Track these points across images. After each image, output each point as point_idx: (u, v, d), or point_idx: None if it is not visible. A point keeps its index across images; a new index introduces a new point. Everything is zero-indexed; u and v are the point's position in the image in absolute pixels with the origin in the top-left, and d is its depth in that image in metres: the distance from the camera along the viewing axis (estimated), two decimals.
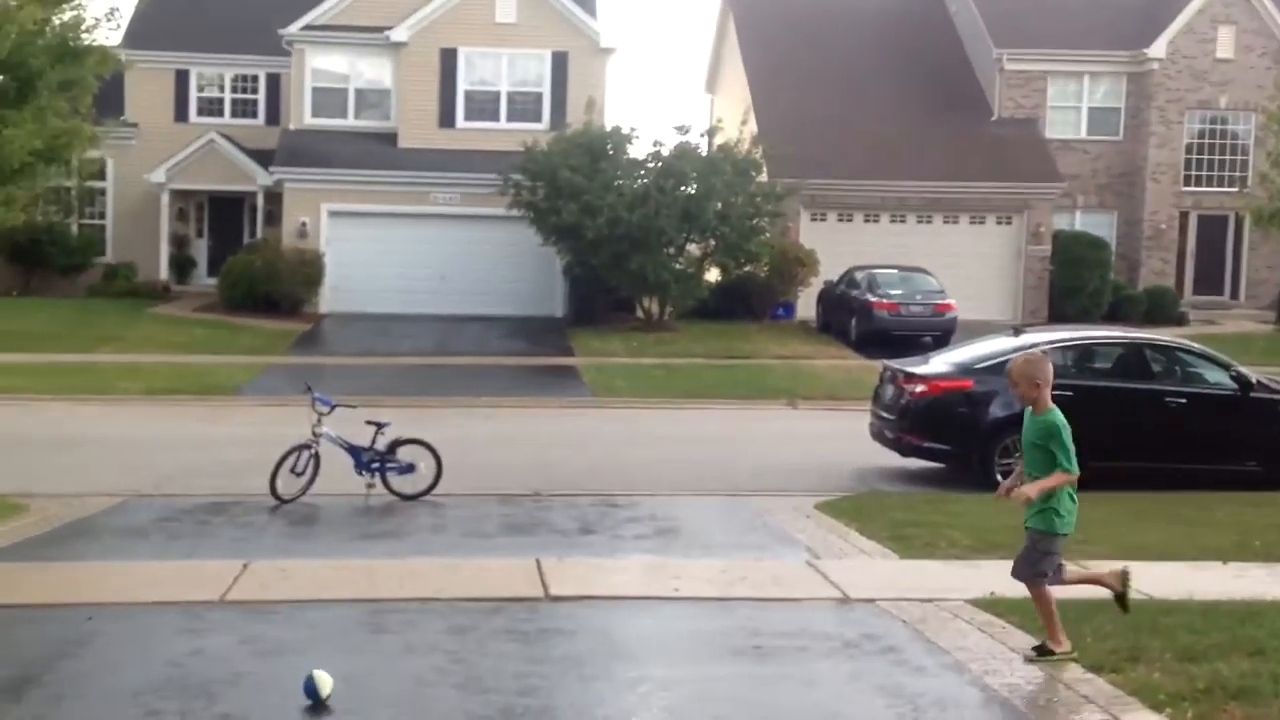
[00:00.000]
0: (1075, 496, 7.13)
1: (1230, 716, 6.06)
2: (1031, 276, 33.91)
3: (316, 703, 6.15)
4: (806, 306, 32.28)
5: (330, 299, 31.96)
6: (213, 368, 24.13)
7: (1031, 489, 6.95)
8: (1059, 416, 7.03)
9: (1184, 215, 36.60)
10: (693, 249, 30.81)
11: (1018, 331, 15.12)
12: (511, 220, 30.39)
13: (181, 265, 36.44)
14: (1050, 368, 7.24)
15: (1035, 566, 7.09)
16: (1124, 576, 7.36)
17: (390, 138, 33.57)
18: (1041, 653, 7.04)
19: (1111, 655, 6.95)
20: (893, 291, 28.83)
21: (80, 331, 27.70)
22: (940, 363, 14.93)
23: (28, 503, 11.64)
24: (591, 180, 28.59)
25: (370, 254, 32.08)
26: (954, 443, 13.94)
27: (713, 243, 30.40)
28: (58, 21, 26.20)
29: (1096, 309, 32.84)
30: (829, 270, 31.36)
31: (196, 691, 6.35)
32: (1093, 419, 13.61)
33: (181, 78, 36.91)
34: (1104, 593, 8.38)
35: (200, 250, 37.46)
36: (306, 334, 29.25)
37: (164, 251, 35.55)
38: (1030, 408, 7.12)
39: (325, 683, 6.19)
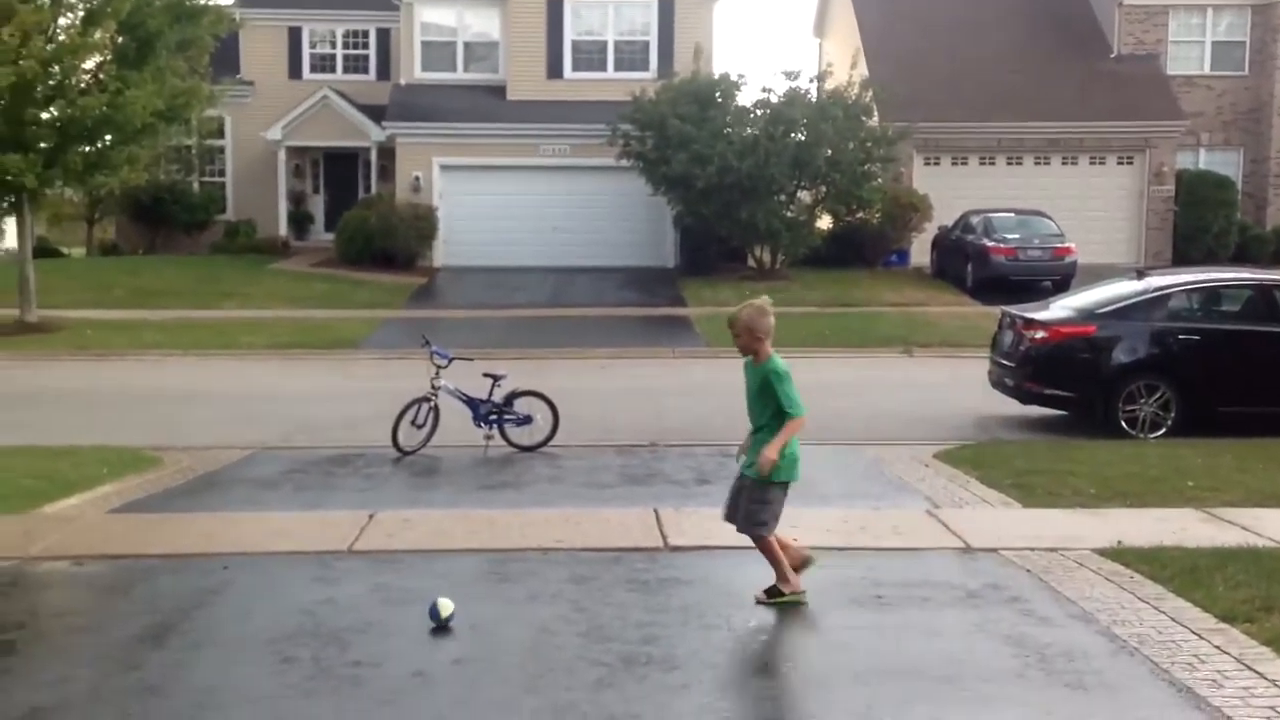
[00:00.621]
0: (796, 447, 7.05)
1: None
2: (1154, 218, 32.99)
3: (439, 624, 6.60)
4: (920, 253, 31.85)
5: (444, 252, 32.29)
6: (333, 322, 24.61)
7: (772, 450, 6.89)
8: (779, 364, 6.99)
9: None
10: (804, 196, 30.49)
11: (1141, 274, 14.73)
12: (621, 171, 30.33)
13: (299, 221, 37.09)
14: (772, 320, 7.02)
15: (753, 518, 7.14)
16: (798, 595, 7.11)
17: (499, 90, 33.70)
18: (772, 594, 7.07)
19: (1244, 605, 6.80)
20: (1010, 236, 28.21)
21: (205, 288, 28.48)
22: (1061, 308, 14.64)
23: (162, 456, 12.06)
24: (700, 129, 28.41)
25: (482, 207, 32.32)
26: (1077, 389, 13.67)
27: (824, 190, 30.05)
28: None
29: (1223, 250, 31.93)
30: (943, 215, 30.86)
31: (328, 639, 6.51)
32: (1221, 363, 13.38)
33: (294, 35, 37.44)
34: (1240, 539, 8.25)
35: (317, 206, 38.09)
36: (422, 288, 29.63)
37: (282, 208, 36.19)
38: (751, 358, 7.06)
39: (446, 605, 6.66)
